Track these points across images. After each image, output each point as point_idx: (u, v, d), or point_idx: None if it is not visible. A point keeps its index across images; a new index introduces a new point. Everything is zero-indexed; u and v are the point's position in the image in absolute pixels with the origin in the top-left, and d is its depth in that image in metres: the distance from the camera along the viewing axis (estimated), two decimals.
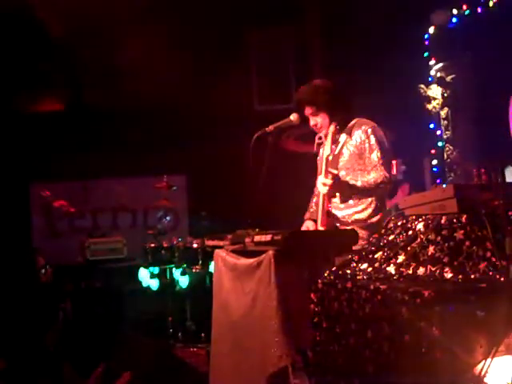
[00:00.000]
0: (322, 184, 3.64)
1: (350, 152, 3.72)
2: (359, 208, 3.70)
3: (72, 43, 7.50)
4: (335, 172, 3.63)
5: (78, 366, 4.32)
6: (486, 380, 2.56)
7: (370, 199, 3.69)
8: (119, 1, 7.06)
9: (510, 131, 5.53)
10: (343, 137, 3.77)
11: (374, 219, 3.66)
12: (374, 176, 3.61)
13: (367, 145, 3.66)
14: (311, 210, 3.99)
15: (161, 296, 5.30)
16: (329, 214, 3.65)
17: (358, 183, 3.62)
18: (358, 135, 3.71)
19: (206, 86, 7.45)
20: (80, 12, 7.04)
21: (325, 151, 3.79)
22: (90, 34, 7.40)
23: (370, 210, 3.69)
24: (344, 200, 3.72)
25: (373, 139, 3.66)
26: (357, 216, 3.69)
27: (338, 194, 3.69)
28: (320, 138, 3.82)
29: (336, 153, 3.78)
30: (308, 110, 3.81)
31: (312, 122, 3.84)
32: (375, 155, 3.64)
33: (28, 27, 7.34)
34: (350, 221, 3.70)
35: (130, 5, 7.06)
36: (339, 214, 3.74)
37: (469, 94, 6.23)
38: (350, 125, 3.77)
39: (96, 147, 7.58)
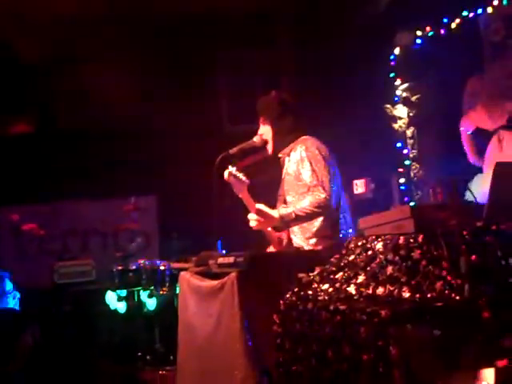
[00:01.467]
0: (250, 220, 3.60)
1: (291, 175, 3.69)
2: (308, 234, 3.63)
3: (43, 67, 7.50)
4: (260, 207, 3.58)
5: None
6: None
7: (316, 222, 3.60)
8: (91, 28, 7.08)
9: (467, 153, 5.67)
10: (286, 159, 3.76)
11: (320, 247, 3.57)
12: (309, 200, 3.49)
13: (300, 166, 3.60)
14: None
15: (129, 319, 5.26)
16: (279, 241, 3.64)
17: (289, 210, 3.52)
18: (294, 157, 3.67)
19: (177, 108, 7.45)
20: (52, 37, 7.05)
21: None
22: (62, 58, 7.40)
23: (314, 240, 3.60)
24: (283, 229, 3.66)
25: (306, 160, 3.58)
26: (310, 241, 3.62)
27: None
28: (230, 181, 3.65)
29: (282, 176, 3.79)
30: (260, 119, 3.85)
31: (260, 131, 3.84)
32: (308, 177, 3.55)
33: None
34: (306, 245, 3.63)
35: (102, 31, 7.08)
36: (294, 240, 3.68)
37: (433, 113, 6.33)
38: (292, 145, 3.73)
39: (65, 170, 7.53)
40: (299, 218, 3.51)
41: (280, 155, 3.81)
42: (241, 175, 3.55)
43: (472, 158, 5.68)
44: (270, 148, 3.80)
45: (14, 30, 7.05)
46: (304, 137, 3.74)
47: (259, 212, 3.56)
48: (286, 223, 3.57)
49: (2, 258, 7.64)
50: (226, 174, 3.56)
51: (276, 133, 3.77)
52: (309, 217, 3.52)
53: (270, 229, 3.68)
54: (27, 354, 4.88)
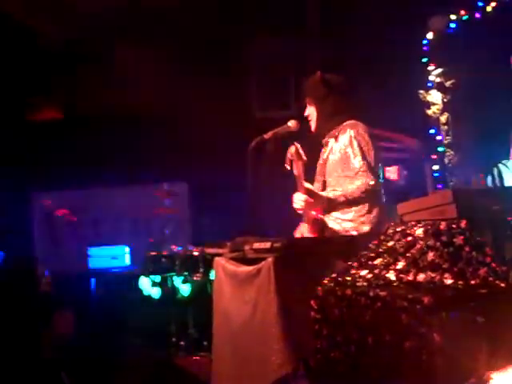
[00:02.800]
0: (297, 200, 3.56)
1: (335, 158, 3.66)
2: (346, 217, 3.58)
3: (71, 52, 7.53)
4: (310, 186, 3.59)
5: (77, 376, 4.31)
6: None
7: (357, 207, 3.56)
8: (118, 14, 7.08)
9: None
10: (331, 141, 3.73)
11: (365, 228, 3.53)
12: (357, 185, 3.50)
13: (350, 150, 3.57)
14: None
15: (162, 304, 5.29)
16: (316, 223, 3.60)
17: (337, 193, 3.51)
18: (342, 140, 3.64)
19: (207, 94, 7.45)
20: (78, 24, 7.07)
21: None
22: (90, 42, 7.42)
23: (360, 219, 3.55)
24: (327, 212, 3.62)
25: (355, 144, 3.56)
26: (347, 225, 3.57)
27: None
28: (292, 155, 3.59)
29: (324, 157, 3.76)
30: (306, 100, 3.81)
31: (306, 112, 3.82)
32: (357, 161, 3.54)
33: (26, 37, 7.35)
34: (341, 229, 3.58)
35: (128, 16, 7.09)
36: (330, 223, 3.63)
37: (468, 98, 6.23)
38: (339, 128, 3.71)
39: (97, 156, 7.58)
40: (347, 202, 3.52)
41: (326, 138, 3.77)
42: (302, 152, 3.52)
43: None
44: (313, 127, 3.78)
45: (40, 15, 7.09)
46: (352, 121, 3.70)
47: (309, 192, 3.54)
48: (332, 206, 3.56)
49: (35, 243, 7.74)
50: (291, 148, 3.51)
51: (320, 114, 3.74)
52: (356, 201, 3.51)
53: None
54: (60, 340, 4.92)
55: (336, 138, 3.69)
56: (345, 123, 3.70)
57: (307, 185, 3.59)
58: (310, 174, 3.88)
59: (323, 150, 3.82)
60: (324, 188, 3.74)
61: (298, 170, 3.53)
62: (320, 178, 3.78)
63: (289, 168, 3.57)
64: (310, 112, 3.79)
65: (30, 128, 7.79)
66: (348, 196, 3.50)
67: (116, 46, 7.42)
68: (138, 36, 7.30)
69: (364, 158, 3.54)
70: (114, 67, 7.34)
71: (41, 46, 7.41)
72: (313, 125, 3.79)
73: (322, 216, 3.61)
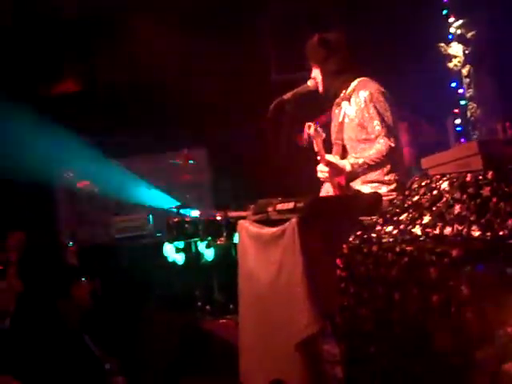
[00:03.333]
0: (320, 172, 3.57)
1: (351, 121, 3.61)
2: (370, 178, 3.56)
3: (85, 23, 7.49)
4: (332, 159, 3.55)
5: (105, 341, 4.36)
6: None
7: (380, 171, 3.54)
8: None
9: None
10: (344, 104, 3.67)
11: (390, 187, 3.52)
12: (378, 148, 3.46)
13: (366, 114, 3.53)
14: None
15: (187, 270, 5.32)
16: (341, 188, 3.56)
17: (360, 161, 3.49)
18: (356, 103, 3.59)
19: (223, 58, 7.39)
20: None
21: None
22: (103, 13, 7.37)
23: (384, 178, 3.54)
24: (352, 179, 3.60)
25: (371, 107, 3.51)
26: (372, 185, 3.54)
27: None
28: (310, 134, 3.53)
29: (340, 120, 3.70)
30: (310, 62, 3.78)
31: (312, 75, 3.78)
32: (376, 125, 3.49)
33: (43, 10, 7.32)
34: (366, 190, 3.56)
35: None
36: (355, 186, 3.61)
37: (490, 50, 6.10)
38: (350, 89, 3.65)
39: (116, 126, 7.58)
40: (370, 167, 3.50)
41: (337, 99, 3.72)
42: (320, 129, 3.49)
43: None
44: (320, 89, 3.73)
45: None
46: (361, 79, 3.65)
47: (329, 164, 3.52)
48: (356, 173, 3.55)
49: (59, 215, 7.80)
50: (311, 128, 3.48)
51: (325, 75, 3.70)
52: (379, 165, 3.50)
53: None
54: (83, 307, 4.97)
55: (349, 100, 3.64)
56: (355, 82, 3.65)
57: (329, 157, 3.56)
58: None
59: (336, 110, 3.76)
60: (344, 152, 3.70)
61: (318, 146, 3.50)
62: (339, 142, 3.73)
63: (305, 145, 3.56)
64: (316, 74, 3.74)
65: (49, 101, 7.80)
66: (370, 162, 3.48)
67: (129, 13, 7.35)
68: (151, 2, 7.23)
69: (382, 120, 3.49)
70: (128, 36, 7.28)
71: (56, 18, 7.39)
72: (320, 86, 3.74)
73: (344, 182, 3.59)
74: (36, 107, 7.49)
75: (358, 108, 3.58)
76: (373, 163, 3.48)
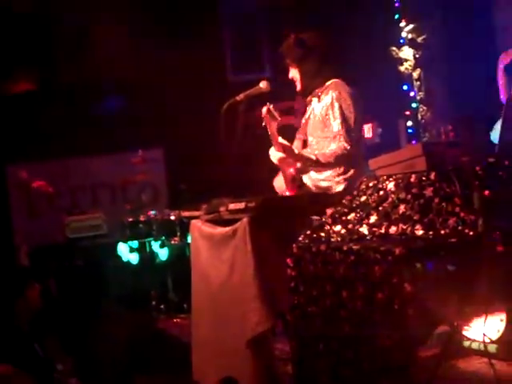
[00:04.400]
0: (272, 156, 3.60)
1: (316, 118, 3.65)
2: (322, 176, 3.60)
3: (41, 20, 7.40)
4: (286, 143, 3.60)
5: (59, 342, 4.34)
6: (462, 332, 2.62)
7: (333, 168, 3.56)
8: None
9: (500, 90, 5.43)
10: (314, 100, 3.71)
11: (340, 188, 3.54)
12: (333, 148, 3.49)
13: (330, 112, 3.55)
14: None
15: (141, 270, 5.31)
16: (294, 180, 3.61)
17: (313, 157, 3.50)
18: (324, 101, 3.62)
19: (180, 58, 7.38)
20: None
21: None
22: (58, 8, 7.29)
23: (336, 179, 3.56)
24: (303, 172, 3.64)
25: (336, 106, 3.53)
26: (323, 184, 3.59)
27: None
28: (265, 116, 3.58)
29: (307, 116, 3.75)
30: (287, 62, 3.78)
31: (289, 75, 3.79)
32: (336, 124, 3.51)
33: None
34: (316, 187, 3.61)
35: None
36: (306, 182, 3.65)
37: (440, 54, 6.25)
38: (322, 87, 3.68)
39: (72, 125, 7.50)
40: (319, 164, 3.52)
41: (309, 97, 3.76)
42: (275, 113, 3.53)
43: (503, 93, 5.41)
44: (298, 87, 3.76)
45: None
46: (336, 80, 3.67)
47: (284, 148, 3.54)
48: (307, 166, 3.58)
49: (12, 215, 7.69)
50: (264, 109, 3.53)
51: (303, 75, 3.71)
52: (330, 165, 3.53)
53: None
54: (33, 309, 4.93)
55: (319, 97, 3.68)
56: (328, 82, 3.68)
57: (282, 140, 3.60)
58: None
59: (308, 107, 3.81)
60: (304, 147, 3.75)
61: (271, 129, 3.54)
62: (301, 136, 3.79)
63: (264, 125, 3.58)
64: (293, 74, 3.77)
65: (4, 100, 7.68)
66: (322, 160, 3.50)
67: (87, 12, 7.29)
68: (105, 1, 7.18)
69: (344, 121, 3.51)
70: (86, 34, 7.22)
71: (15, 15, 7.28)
72: (298, 85, 3.77)
73: (298, 174, 3.63)
74: None
75: (324, 105, 3.62)
76: (325, 162, 3.50)
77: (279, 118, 3.55)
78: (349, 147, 3.47)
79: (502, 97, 5.31)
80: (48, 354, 4.07)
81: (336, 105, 3.54)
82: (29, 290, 5.02)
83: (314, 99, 3.72)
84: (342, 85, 3.65)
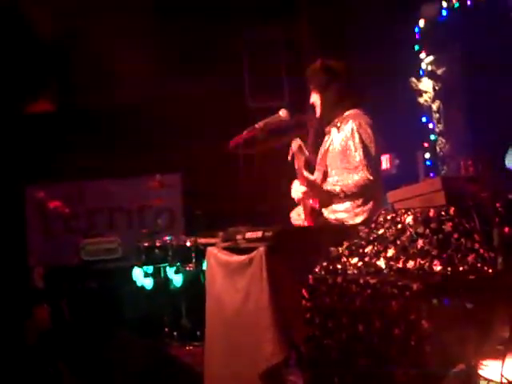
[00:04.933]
0: (295, 190, 3.59)
1: (337, 148, 3.61)
2: (342, 208, 3.57)
3: (62, 44, 7.50)
4: (311, 178, 3.60)
5: (72, 365, 4.32)
6: (479, 372, 2.58)
7: (350, 202, 3.55)
8: (109, 3, 7.06)
9: None
10: (333, 131, 3.68)
11: (359, 220, 3.51)
12: (355, 179, 3.47)
13: (351, 142, 3.52)
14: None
15: (155, 295, 5.30)
16: (313, 212, 3.59)
17: (337, 189, 3.49)
18: (344, 131, 3.59)
19: (199, 85, 7.44)
20: (70, 13, 7.04)
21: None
22: (80, 34, 7.39)
23: (355, 211, 3.54)
24: (325, 205, 3.61)
25: (357, 137, 3.51)
26: (342, 215, 3.56)
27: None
28: (294, 150, 3.63)
29: (326, 146, 3.71)
30: (310, 87, 3.79)
31: (311, 99, 3.78)
32: (358, 155, 3.48)
33: (19, 28, 7.32)
34: (335, 219, 3.57)
35: (119, 6, 7.06)
36: (325, 213, 3.62)
37: (460, 86, 6.24)
38: (341, 117, 3.66)
39: (90, 148, 7.56)
40: (345, 196, 3.50)
41: (328, 127, 3.74)
42: (305, 148, 3.58)
43: None
44: (318, 113, 3.75)
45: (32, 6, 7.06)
46: (356, 110, 3.66)
47: (308, 182, 3.54)
48: (330, 198, 3.55)
49: (28, 236, 7.73)
50: (293, 144, 3.58)
51: (324, 101, 3.70)
52: (354, 196, 3.50)
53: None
54: (41, 328, 4.93)
55: (338, 128, 3.65)
56: (347, 112, 3.66)
57: (307, 174, 3.59)
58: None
59: (326, 138, 3.79)
60: (324, 178, 3.71)
61: (299, 163, 3.56)
62: (321, 167, 3.74)
63: (290, 159, 3.60)
64: (315, 99, 3.75)
65: (23, 121, 7.76)
66: (346, 191, 3.48)
67: (108, 36, 7.38)
68: (126, 27, 7.26)
69: (365, 152, 3.49)
70: (104, 59, 7.31)
71: (34, 38, 7.39)
72: (318, 111, 3.75)
73: (318, 206, 3.61)
74: (9, 125, 7.47)
75: (344, 136, 3.58)
76: (348, 192, 3.48)
77: (307, 153, 3.57)
78: (371, 177, 3.46)
79: None
80: (57, 377, 4.06)
81: (356, 135, 3.52)
82: (37, 311, 5.02)
83: (333, 129, 3.69)
84: (362, 115, 3.63)
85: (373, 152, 3.53)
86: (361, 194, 3.51)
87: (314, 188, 3.55)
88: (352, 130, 3.55)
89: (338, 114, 3.69)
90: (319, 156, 3.78)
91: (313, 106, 3.78)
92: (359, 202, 3.54)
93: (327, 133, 3.77)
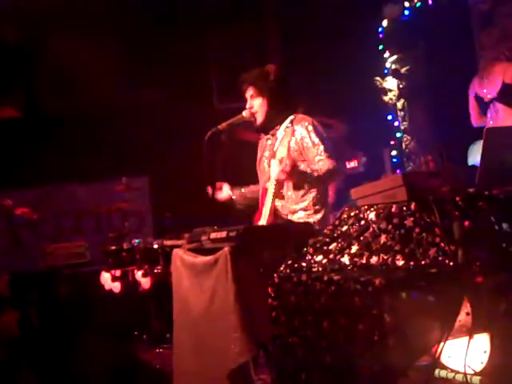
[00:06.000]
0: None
1: (290, 149, 3.57)
2: (301, 206, 3.60)
3: (26, 50, 7.44)
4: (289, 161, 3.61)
5: (39, 372, 4.28)
6: (442, 361, 2.61)
7: (312, 195, 3.60)
8: (70, 7, 7.01)
9: (471, 116, 5.47)
10: (280, 133, 3.69)
11: (317, 217, 3.57)
12: (327, 166, 3.48)
13: (309, 140, 3.57)
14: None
15: (124, 299, 5.26)
16: (275, 213, 3.59)
17: (309, 170, 3.47)
18: (298, 132, 3.61)
19: (165, 85, 7.42)
20: (35, 18, 6.98)
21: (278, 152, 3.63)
22: (44, 40, 7.34)
23: (311, 210, 3.59)
24: (295, 188, 3.61)
25: (313, 135, 3.57)
26: (300, 214, 3.59)
27: (289, 184, 3.60)
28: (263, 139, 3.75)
29: (275, 149, 3.71)
30: (249, 92, 3.78)
31: (248, 105, 3.78)
32: (317, 150, 3.54)
33: None
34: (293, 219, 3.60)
35: (82, 10, 7.01)
36: (283, 211, 3.65)
37: (423, 84, 6.32)
38: (287, 121, 3.67)
39: (56, 153, 7.49)
40: (317, 178, 3.49)
41: (272, 130, 3.76)
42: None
43: (475, 120, 5.47)
44: (259, 119, 3.75)
45: None
46: (298, 114, 3.70)
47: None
48: (301, 180, 3.54)
49: None
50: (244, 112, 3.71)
51: (270, 106, 3.72)
52: (323, 180, 3.55)
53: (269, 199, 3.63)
54: (8, 337, 4.87)
55: (289, 129, 3.62)
56: (292, 116, 3.69)
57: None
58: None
59: (269, 141, 3.79)
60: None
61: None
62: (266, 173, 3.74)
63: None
64: (257, 103, 3.75)
65: None
66: (320, 172, 3.46)
67: (70, 40, 7.32)
68: (95, 28, 7.22)
69: (325, 146, 3.55)
70: (69, 62, 7.25)
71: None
72: (260, 117, 3.75)
73: (276, 207, 3.62)
74: None
75: (299, 135, 3.59)
76: (321, 174, 3.46)
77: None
78: (336, 165, 3.52)
79: (475, 124, 5.40)
80: None
81: (313, 133, 3.58)
82: (2, 318, 4.95)
83: (279, 132, 3.69)
84: (306, 116, 3.69)
85: (329, 147, 3.58)
86: (330, 179, 3.63)
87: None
88: (307, 128, 3.60)
89: (283, 120, 3.70)
90: (262, 159, 3.80)
91: (248, 113, 3.76)
92: (316, 199, 3.60)
93: (271, 135, 3.77)
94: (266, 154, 3.79)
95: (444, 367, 2.60)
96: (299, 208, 3.61)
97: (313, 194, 3.61)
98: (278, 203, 3.65)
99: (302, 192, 3.62)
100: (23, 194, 7.32)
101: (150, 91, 7.31)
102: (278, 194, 3.61)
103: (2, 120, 7.81)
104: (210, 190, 3.73)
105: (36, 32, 7.20)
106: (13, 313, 5.09)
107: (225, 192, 3.90)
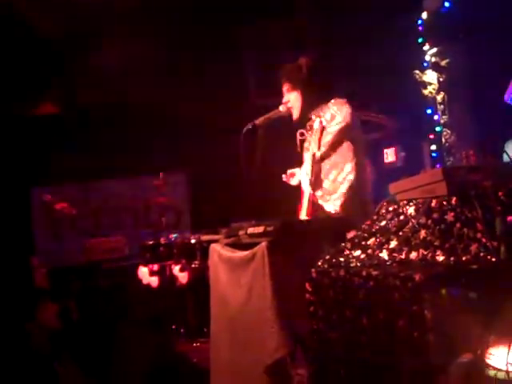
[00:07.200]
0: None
1: (327, 141, 3.59)
2: (338, 200, 3.59)
3: (65, 46, 7.52)
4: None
5: (82, 364, 4.33)
6: (486, 361, 2.55)
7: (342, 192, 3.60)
8: (110, 3, 7.07)
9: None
10: (317, 122, 3.65)
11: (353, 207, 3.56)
12: (348, 170, 3.53)
13: (340, 134, 3.57)
14: None
15: (161, 293, 5.30)
16: (314, 205, 3.59)
17: (331, 178, 3.54)
18: (333, 124, 3.60)
19: (204, 83, 7.44)
20: (72, 15, 7.06)
21: (311, 146, 3.65)
22: (84, 36, 7.41)
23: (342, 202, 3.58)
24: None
25: (347, 134, 3.58)
26: (337, 203, 3.58)
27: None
28: (302, 134, 3.72)
29: (318, 135, 3.66)
30: (285, 86, 3.79)
31: (284, 99, 3.79)
32: (347, 148, 3.56)
33: (21, 31, 7.34)
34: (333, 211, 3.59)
35: (121, 6, 7.07)
36: (321, 201, 3.64)
37: (464, 77, 6.21)
38: (323, 110, 3.67)
39: (95, 148, 7.58)
40: (337, 186, 3.56)
41: (310, 122, 3.74)
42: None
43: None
44: (295, 114, 3.75)
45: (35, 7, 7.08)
46: (337, 100, 3.68)
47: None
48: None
49: (36, 238, 7.76)
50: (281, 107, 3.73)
51: (305, 99, 3.71)
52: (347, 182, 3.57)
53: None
54: (48, 329, 4.93)
55: (323, 116, 3.62)
56: (332, 105, 3.66)
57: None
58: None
59: (309, 131, 3.78)
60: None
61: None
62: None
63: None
64: (293, 98, 3.75)
65: (29, 123, 7.79)
66: (341, 180, 3.53)
67: (109, 37, 7.39)
68: (133, 26, 7.28)
69: (354, 143, 3.57)
70: (105, 60, 7.32)
71: (39, 39, 7.42)
72: (296, 111, 3.76)
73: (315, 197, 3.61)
74: (15, 127, 7.50)
75: (334, 128, 3.58)
76: (338, 181, 3.54)
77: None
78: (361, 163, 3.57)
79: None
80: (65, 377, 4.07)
81: (346, 128, 3.59)
82: (41, 311, 5.02)
83: (316, 121, 3.64)
84: (345, 103, 3.66)
85: (361, 142, 3.66)
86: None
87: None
88: (340, 123, 3.59)
89: (317, 111, 3.69)
90: (310, 151, 3.77)
91: (285, 107, 3.77)
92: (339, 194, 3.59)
93: (309, 128, 3.76)
94: (306, 144, 3.78)
95: (486, 365, 2.55)
96: (336, 197, 3.58)
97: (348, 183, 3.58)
98: (317, 193, 3.64)
99: (338, 181, 3.60)
100: (62, 189, 7.42)
101: (188, 88, 7.34)
102: (314, 185, 3.60)
103: (41, 116, 7.92)
104: (285, 176, 3.84)
105: (76, 28, 7.28)
106: (52, 306, 5.16)
107: (296, 178, 3.90)
